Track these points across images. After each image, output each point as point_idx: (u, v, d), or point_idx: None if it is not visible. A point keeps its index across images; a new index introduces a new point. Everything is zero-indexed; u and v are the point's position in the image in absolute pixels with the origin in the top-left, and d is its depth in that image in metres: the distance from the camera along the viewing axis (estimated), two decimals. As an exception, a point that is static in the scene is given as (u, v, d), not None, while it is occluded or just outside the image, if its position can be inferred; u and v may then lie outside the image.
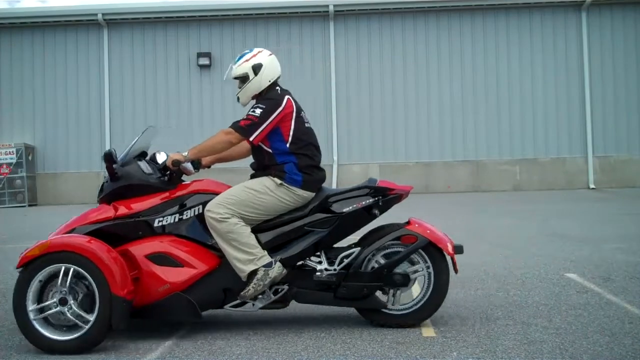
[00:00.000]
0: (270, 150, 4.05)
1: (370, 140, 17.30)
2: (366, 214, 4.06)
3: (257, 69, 4.10)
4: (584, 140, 16.89)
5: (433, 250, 4.04)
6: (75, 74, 17.71)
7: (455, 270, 4.05)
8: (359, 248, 4.07)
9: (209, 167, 4.44)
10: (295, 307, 4.56)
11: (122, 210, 4.02)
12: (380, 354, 3.51)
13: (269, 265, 3.85)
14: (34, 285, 3.74)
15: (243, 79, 4.14)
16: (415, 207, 12.81)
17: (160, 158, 4.20)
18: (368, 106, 17.32)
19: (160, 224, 4.01)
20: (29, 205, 16.63)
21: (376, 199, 4.06)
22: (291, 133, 4.02)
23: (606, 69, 16.98)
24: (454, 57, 17.21)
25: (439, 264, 4.04)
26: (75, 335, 3.67)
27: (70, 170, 17.27)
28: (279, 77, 4.20)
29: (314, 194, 4.04)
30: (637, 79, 16.95)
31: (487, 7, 17.11)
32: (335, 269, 4.01)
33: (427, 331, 3.93)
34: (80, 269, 3.68)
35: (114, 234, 3.96)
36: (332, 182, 16.98)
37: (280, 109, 3.99)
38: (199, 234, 4.00)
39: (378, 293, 4.05)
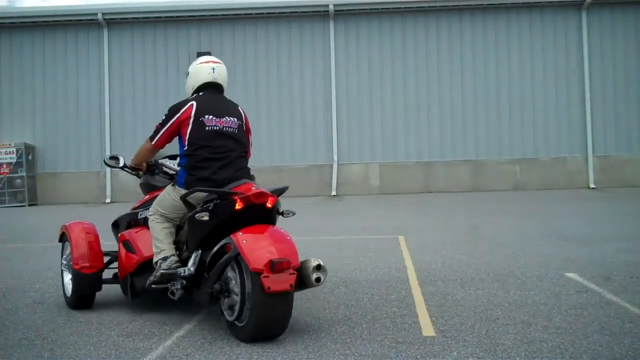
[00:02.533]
0: (179, 154, 4.41)
1: (370, 140, 17.30)
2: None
3: (186, 76, 4.49)
4: (584, 139, 16.89)
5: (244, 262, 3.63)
6: (75, 74, 17.71)
7: (264, 289, 3.50)
8: (200, 251, 4.02)
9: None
10: (294, 307, 4.57)
11: (136, 204, 4.95)
12: (380, 354, 3.50)
13: (163, 260, 4.16)
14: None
15: None
16: (415, 207, 12.83)
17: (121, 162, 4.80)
18: (368, 106, 17.32)
19: (141, 217, 4.70)
20: (29, 205, 16.63)
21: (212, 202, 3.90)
22: (187, 137, 4.17)
23: (606, 68, 16.98)
24: (454, 56, 17.21)
25: (252, 278, 3.57)
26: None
27: (70, 170, 17.26)
28: (205, 84, 4.33)
29: (205, 193, 3.99)
30: (637, 78, 16.94)
31: (487, 7, 17.11)
32: (191, 270, 3.99)
33: (427, 331, 3.93)
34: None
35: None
36: (333, 182, 17.00)
37: (178, 115, 4.21)
38: None
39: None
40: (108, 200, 16.13)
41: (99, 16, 17.20)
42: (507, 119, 17.06)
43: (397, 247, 7.47)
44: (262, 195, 3.86)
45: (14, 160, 16.86)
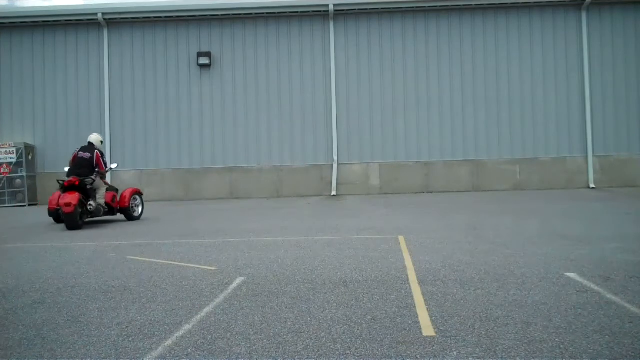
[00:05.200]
0: None
1: (370, 140, 17.31)
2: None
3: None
4: (584, 139, 16.90)
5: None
6: (75, 74, 17.71)
7: (64, 211, 10.42)
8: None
9: None
10: (294, 307, 4.56)
11: None
12: (380, 354, 3.50)
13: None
14: None
15: None
16: (415, 207, 12.82)
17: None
18: (368, 106, 17.33)
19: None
20: (29, 205, 16.61)
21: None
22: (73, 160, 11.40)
23: (606, 68, 16.99)
24: (454, 56, 17.22)
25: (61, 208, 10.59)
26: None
27: (70, 170, 17.25)
28: (87, 143, 11.56)
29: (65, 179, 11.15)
30: (637, 78, 16.95)
31: (487, 7, 17.12)
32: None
33: (427, 331, 3.93)
34: None
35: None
36: (333, 182, 16.99)
37: (74, 153, 11.42)
38: None
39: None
40: (108, 200, 16.10)
41: (99, 16, 17.21)
42: (507, 119, 17.07)
43: (397, 247, 7.47)
44: (73, 180, 10.62)
45: (14, 160, 16.85)
